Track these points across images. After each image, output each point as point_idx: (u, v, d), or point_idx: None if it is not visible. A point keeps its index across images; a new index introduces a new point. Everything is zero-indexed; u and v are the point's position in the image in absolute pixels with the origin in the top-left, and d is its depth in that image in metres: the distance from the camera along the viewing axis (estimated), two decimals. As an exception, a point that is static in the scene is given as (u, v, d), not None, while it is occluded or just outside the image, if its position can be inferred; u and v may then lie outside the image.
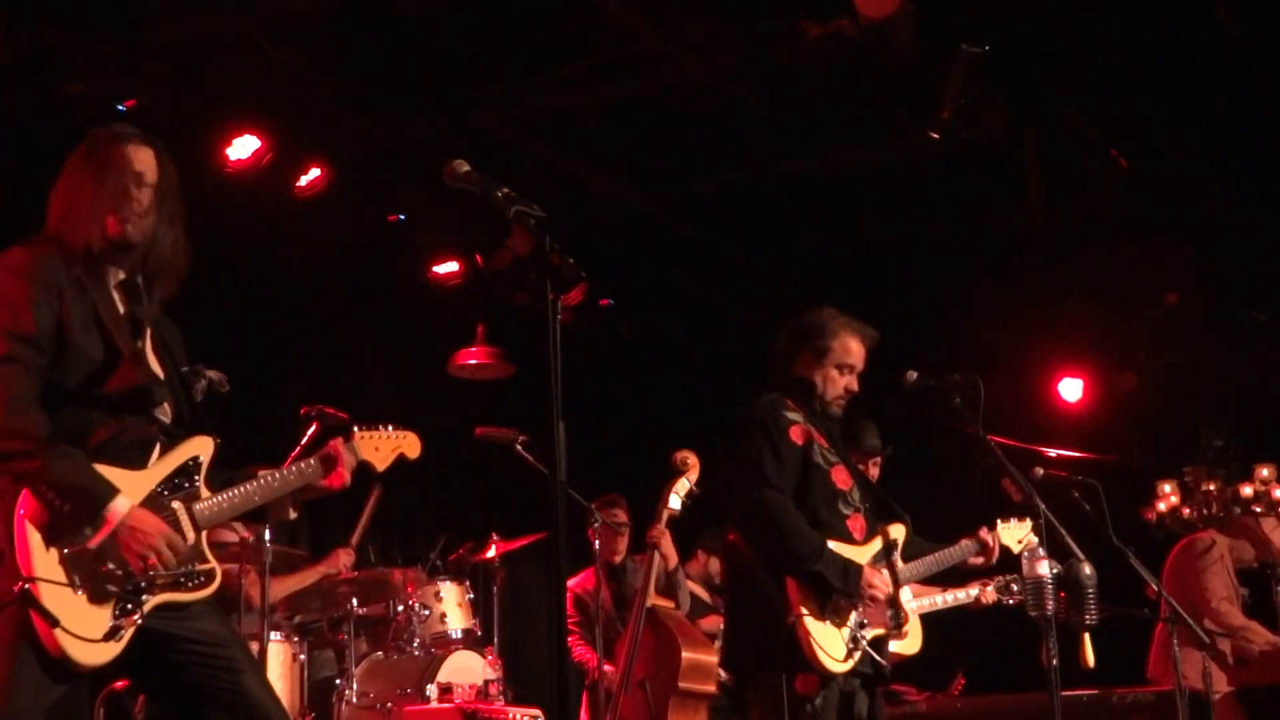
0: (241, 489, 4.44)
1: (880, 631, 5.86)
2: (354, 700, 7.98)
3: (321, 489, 4.66)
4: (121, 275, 4.39)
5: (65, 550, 4.04)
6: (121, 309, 4.38)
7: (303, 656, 8.02)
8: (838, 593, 5.72)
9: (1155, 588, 7.24)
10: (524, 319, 10.69)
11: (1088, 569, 5.79)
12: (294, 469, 4.57)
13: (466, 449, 8.84)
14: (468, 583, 8.79)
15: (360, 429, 4.81)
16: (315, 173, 9.23)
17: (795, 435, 5.94)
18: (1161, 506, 9.39)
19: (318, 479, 4.61)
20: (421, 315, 11.02)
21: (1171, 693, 7.42)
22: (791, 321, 6.27)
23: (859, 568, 5.79)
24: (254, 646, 7.45)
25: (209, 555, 4.35)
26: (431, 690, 7.88)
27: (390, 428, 4.87)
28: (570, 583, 8.90)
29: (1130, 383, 12.13)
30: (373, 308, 10.80)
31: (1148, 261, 10.85)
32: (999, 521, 6.39)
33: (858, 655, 5.74)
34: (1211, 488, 9.06)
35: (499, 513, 9.92)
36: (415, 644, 8.34)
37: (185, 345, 4.62)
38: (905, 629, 5.95)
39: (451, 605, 8.56)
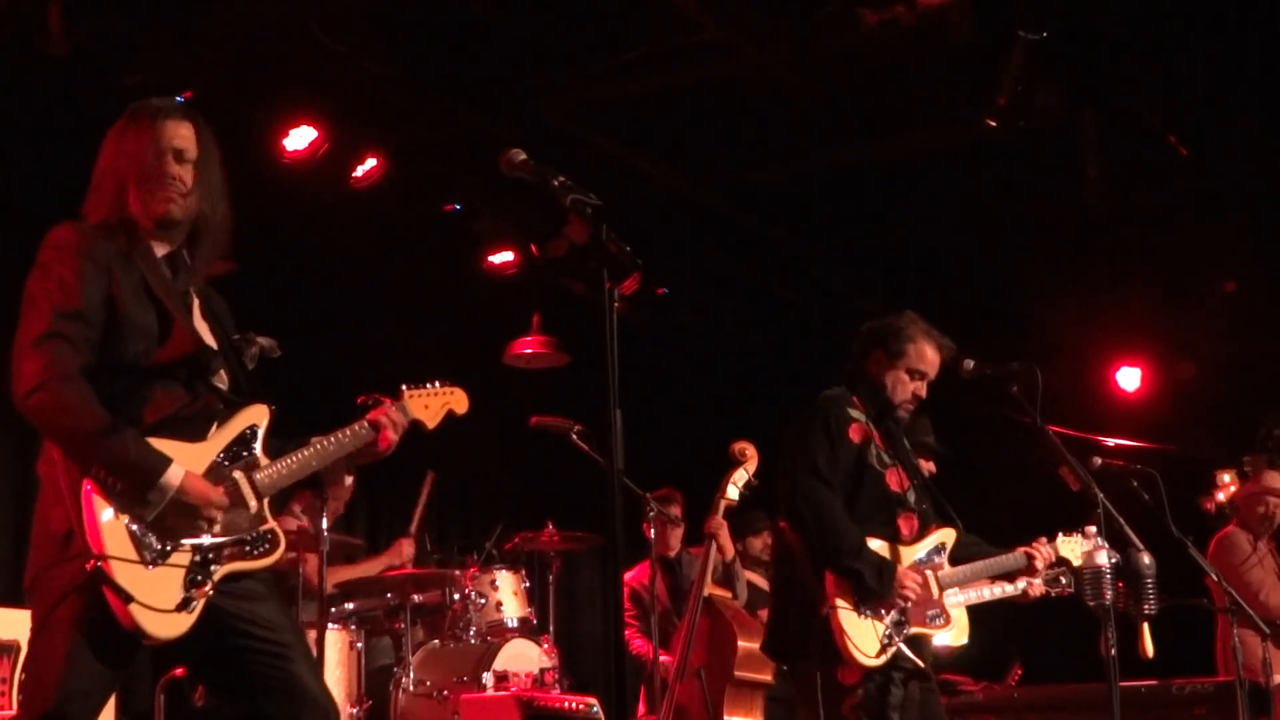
0: (299, 455, 4.45)
1: (919, 630, 5.86)
2: (411, 688, 8.02)
3: (372, 453, 4.66)
4: (166, 249, 4.40)
5: (133, 525, 4.06)
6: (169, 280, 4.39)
7: (360, 644, 8.06)
8: (871, 590, 5.73)
9: (1215, 578, 7.20)
10: (580, 308, 10.69)
11: (1146, 559, 5.77)
12: (347, 432, 4.57)
13: (522, 438, 8.86)
14: (523, 571, 8.81)
15: (409, 387, 4.81)
16: (371, 163, 9.27)
17: (853, 433, 5.98)
18: (1221, 496, 9.34)
19: (368, 441, 4.61)
20: (477, 304, 11.05)
21: (1231, 683, 7.38)
22: (871, 321, 6.27)
23: (894, 566, 5.80)
24: (312, 634, 7.50)
25: (272, 522, 4.37)
26: (488, 678, 7.91)
27: (438, 384, 4.88)
28: (626, 576, 8.91)
29: (1189, 371, 12.05)
30: (428, 297, 10.83)
31: (1207, 249, 10.77)
32: (1060, 534, 6.33)
33: (892, 651, 5.74)
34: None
35: (555, 501, 9.94)
36: (471, 632, 8.36)
37: (233, 316, 4.63)
38: (947, 626, 5.96)
39: (507, 594, 8.59)
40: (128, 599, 3.99)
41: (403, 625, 8.26)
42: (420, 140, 9.54)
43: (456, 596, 8.41)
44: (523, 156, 3.96)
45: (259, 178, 8.78)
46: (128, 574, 4.02)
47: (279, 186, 8.91)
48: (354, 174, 9.25)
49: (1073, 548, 6.27)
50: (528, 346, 10.85)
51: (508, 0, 8.29)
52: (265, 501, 4.37)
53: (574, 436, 8.06)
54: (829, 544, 5.75)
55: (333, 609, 8.09)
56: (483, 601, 8.47)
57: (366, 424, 4.61)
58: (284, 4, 8.02)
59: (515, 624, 8.53)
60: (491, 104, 9.12)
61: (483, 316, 11.10)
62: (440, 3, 8.26)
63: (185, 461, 4.18)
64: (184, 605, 4.11)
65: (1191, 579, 7.98)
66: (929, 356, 6.14)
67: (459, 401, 4.94)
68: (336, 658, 7.83)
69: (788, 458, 5.98)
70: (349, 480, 4.45)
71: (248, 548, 4.28)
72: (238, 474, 4.30)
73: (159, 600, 4.06)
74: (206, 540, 4.19)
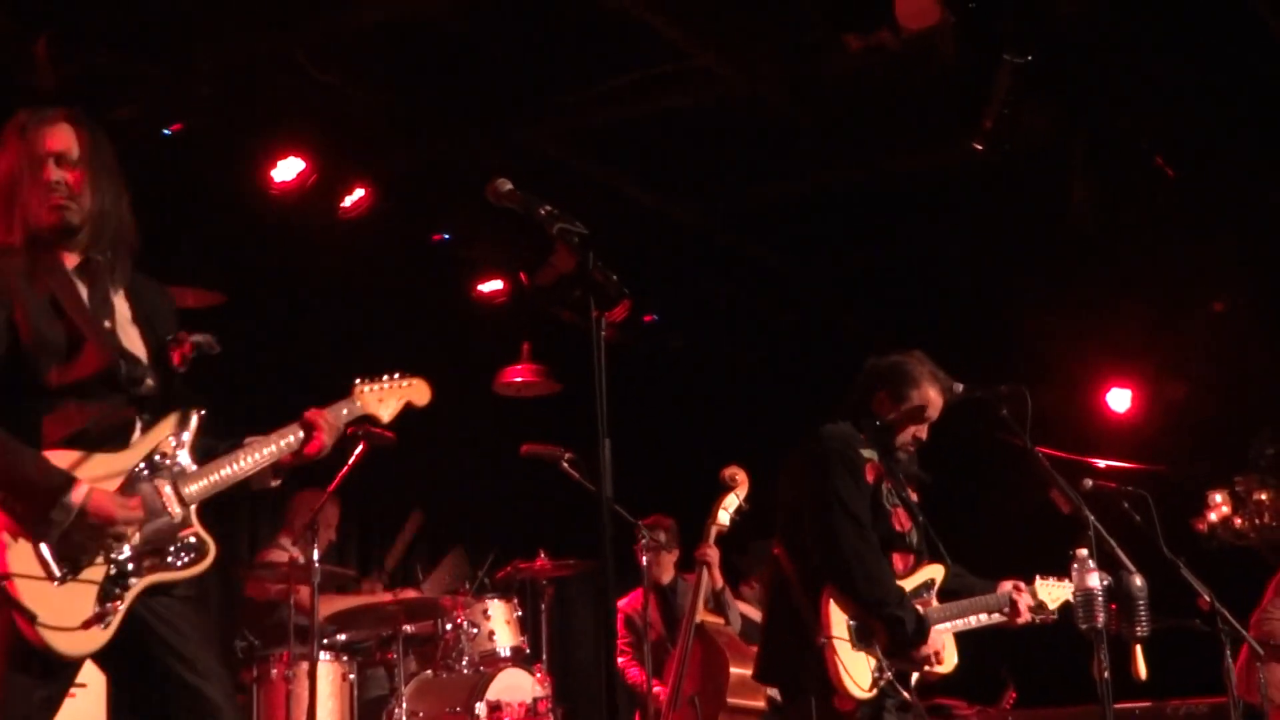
0: (227, 465, 4.37)
1: (905, 667, 5.89)
2: (404, 719, 7.99)
3: (303, 457, 4.59)
4: (77, 258, 4.33)
5: (41, 543, 4.01)
6: (84, 291, 4.32)
7: (352, 675, 8.04)
8: (907, 642, 5.78)
9: (1207, 599, 7.19)
10: (569, 336, 10.68)
11: (1138, 580, 5.76)
12: (278, 441, 4.50)
13: (513, 466, 8.85)
14: (516, 600, 8.79)
15: (361, 381, 4.76)
16: (359, 193, 9.25)
17: (869, 473, 6.00)
18: (1213, 517, 9.34)
19: (300, 447, 4.55)
20: (466, 333, 11.04)
21: (1225, 705, 7.36)
22: (878, 359, 6.25)
23: (929, 625, 5.85)
24: (304, 666, 7.48)
25: (201, 530, 4.29)
26: (480, 708, 7.89)
27: (396, 376, 4.83)
28: (620, 603, 8.90)
29: (1180, 392, 12.04)
30: (418, 327, 10.81)
31: (1196, 269, 10.78)
32: (1038, 577, 6.37)
33: (881, 684, 5.78)
34: (1263, 497, 8.99)
35: (546, 530, 9.91)
36: (464, 662, 8.35)
37: (175, 312, 4.56)
38: (939, 661, 5.98)
39: (500, 623, 8.57)
40: (32, 618, 3.95)
41: (395, 656, 8.23)
42: (408, 170, 9.54)
43: (449, 626, 8.39)
44: (509, 186, 3.96)
45: (247, 209, 8.79)
46: (33, 592, 3.97)
47: (267, 217, 8.91)
48: (342, 204, 9.23)
49: (1049, 591, 6.33)
50: (518, 375, 10.84)
51: (495, 29, 8.29)
52: (193, 509, 4.29)
53: (565, 464, 8.05)
54: (872, 594, 5.78)
55: (324, 640, 8.07)
56: (475, 631, 8.46)
57: (298, 430, 4.55)
58: (272, 35, 8.03)
59: (508, 653, 8.51)
60: (479, 133, 9.13)
61: (472, 345, 11.08)
62: (427, 33, 8.27)
63: (102, 472, 4.13)
64: (97, 620, 4.05)
65: (1185, 600, 7.98)
66: (934, 401, 6.15)
67: (419, 393, 4.88)
68: (329, 689, 7.80)
69: (810, 496, 5.95)
70: (275, 484, 4.36)
71: (170, 558, 4.22)
72: (159, 481, 4.24)
73: (67, 618, 4.01)
74: (125, 552, 4.13)
